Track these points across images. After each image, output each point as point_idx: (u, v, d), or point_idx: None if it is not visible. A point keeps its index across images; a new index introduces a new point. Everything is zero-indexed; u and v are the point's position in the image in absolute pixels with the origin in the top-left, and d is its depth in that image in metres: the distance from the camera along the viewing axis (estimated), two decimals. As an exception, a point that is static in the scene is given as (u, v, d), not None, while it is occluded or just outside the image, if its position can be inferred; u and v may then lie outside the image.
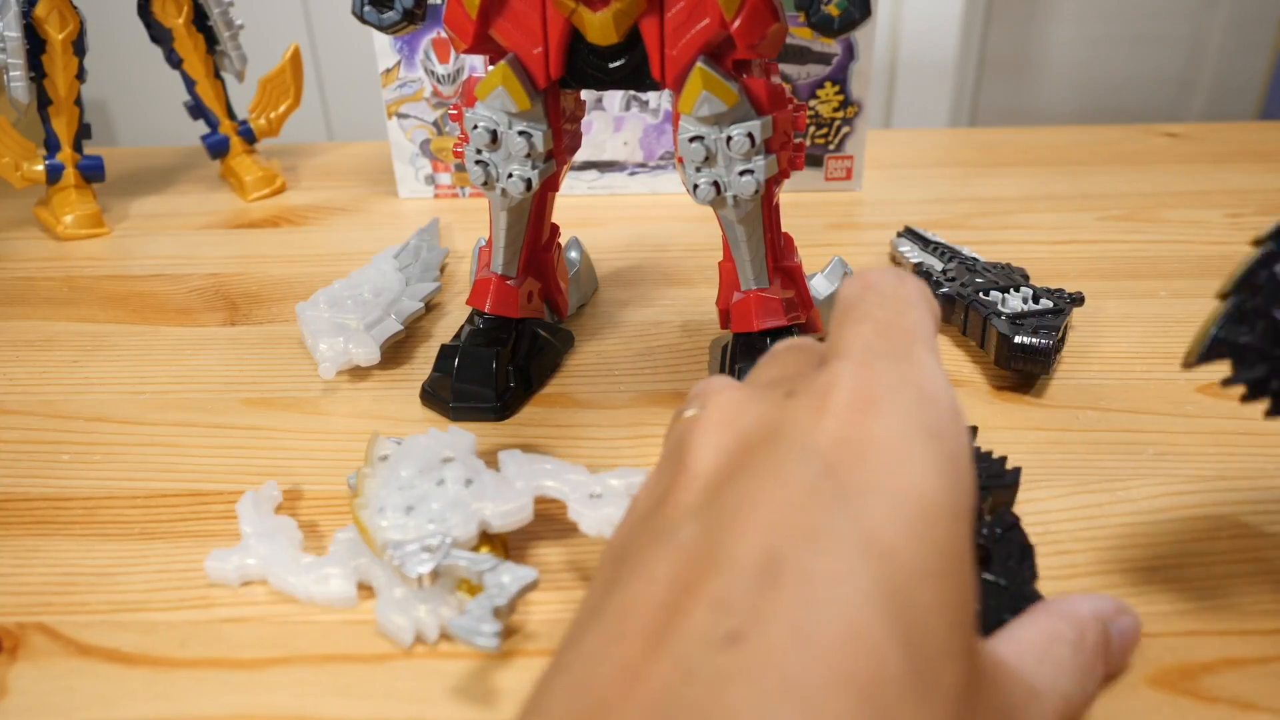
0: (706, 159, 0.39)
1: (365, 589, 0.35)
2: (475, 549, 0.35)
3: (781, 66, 0.64)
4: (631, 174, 0.68)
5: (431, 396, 0.45)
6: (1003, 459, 0.33)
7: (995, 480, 0.32)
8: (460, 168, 0.68)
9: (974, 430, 0.33)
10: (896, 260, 0.57)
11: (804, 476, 0.20)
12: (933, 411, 0.21)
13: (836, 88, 0.65)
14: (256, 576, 0.36)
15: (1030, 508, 0.38)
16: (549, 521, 0.37)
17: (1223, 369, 0.30)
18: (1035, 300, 0.47)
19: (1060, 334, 0.46)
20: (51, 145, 0.64)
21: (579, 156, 0.67)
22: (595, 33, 0.38)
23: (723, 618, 0.18)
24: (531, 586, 0.32)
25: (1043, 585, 0.35)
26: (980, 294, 0.48)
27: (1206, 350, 0.29)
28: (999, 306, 0.47)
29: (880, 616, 0.18)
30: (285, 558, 0.35)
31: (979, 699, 0.20)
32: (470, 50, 0.40)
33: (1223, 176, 0.69)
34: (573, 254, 0.54)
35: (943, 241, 0.55)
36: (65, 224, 0.64)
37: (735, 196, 0.39)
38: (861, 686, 0.17)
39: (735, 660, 0.17)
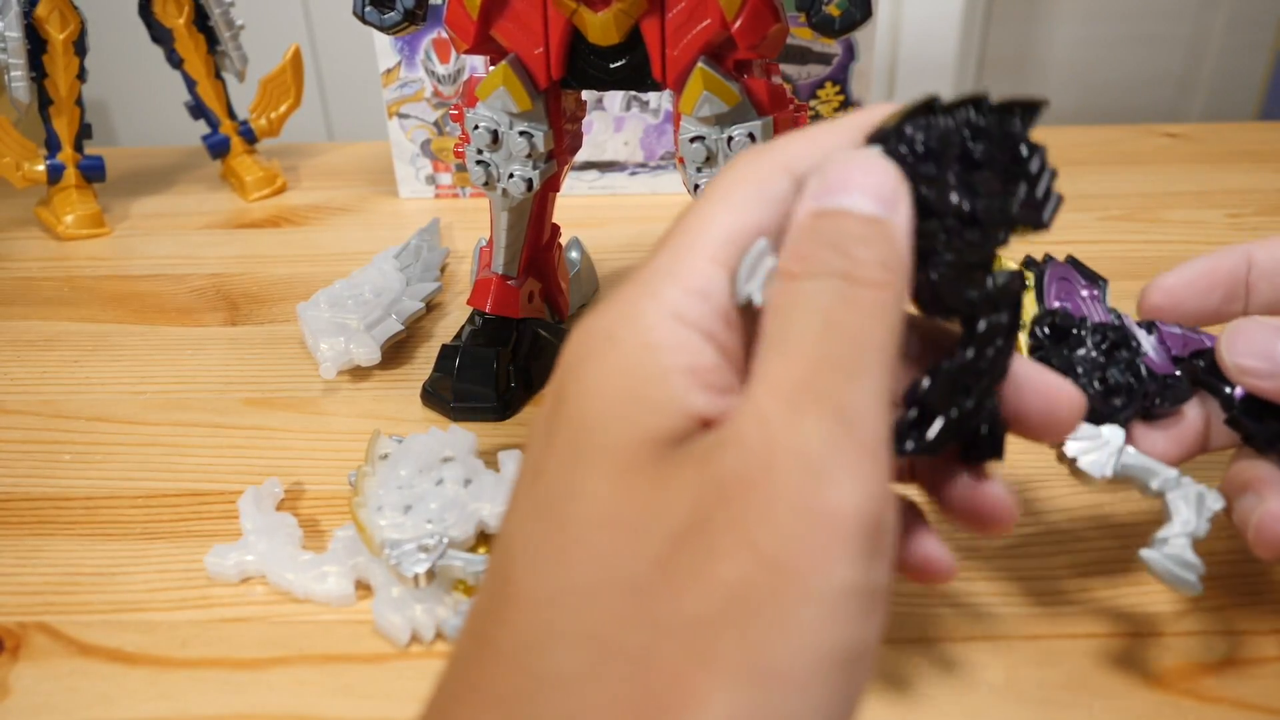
0: (707, 159, 0.39)
1: (364, 587, 0.35)
2: (473, 549, 0.35)
3: (782, 67, 0.64)
4: (632, 174, 0.68)
5: (432, 396, 0.45)
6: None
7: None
8: (461, 168, 0.68)
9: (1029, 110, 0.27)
10: None
11: None
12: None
13: (837, 88, 0.65)
14: (255, 573, 0.36)
15: (1030, 508, 0.38)
16: (549, 521, 0.37)
17: None
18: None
19: None
20: (52, 145, 0.64)
21: (580, 157, 0.67)
22: (596, 33, 0.38)
23: None
24: None
25: (1042, 584, 0.35)
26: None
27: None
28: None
29: None
30: (284, 555, 0.35)
31: None
32: (471, 50, 0.40)
33: (1223, 176, 0.69)
34: (573, 254, 0.54)
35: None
36: (66, 224, 0.64)
37: (736, 197, 0.39)
38: None
39: None
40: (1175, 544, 0.27)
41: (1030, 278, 0.31)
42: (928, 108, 0.24)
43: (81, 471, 0.42)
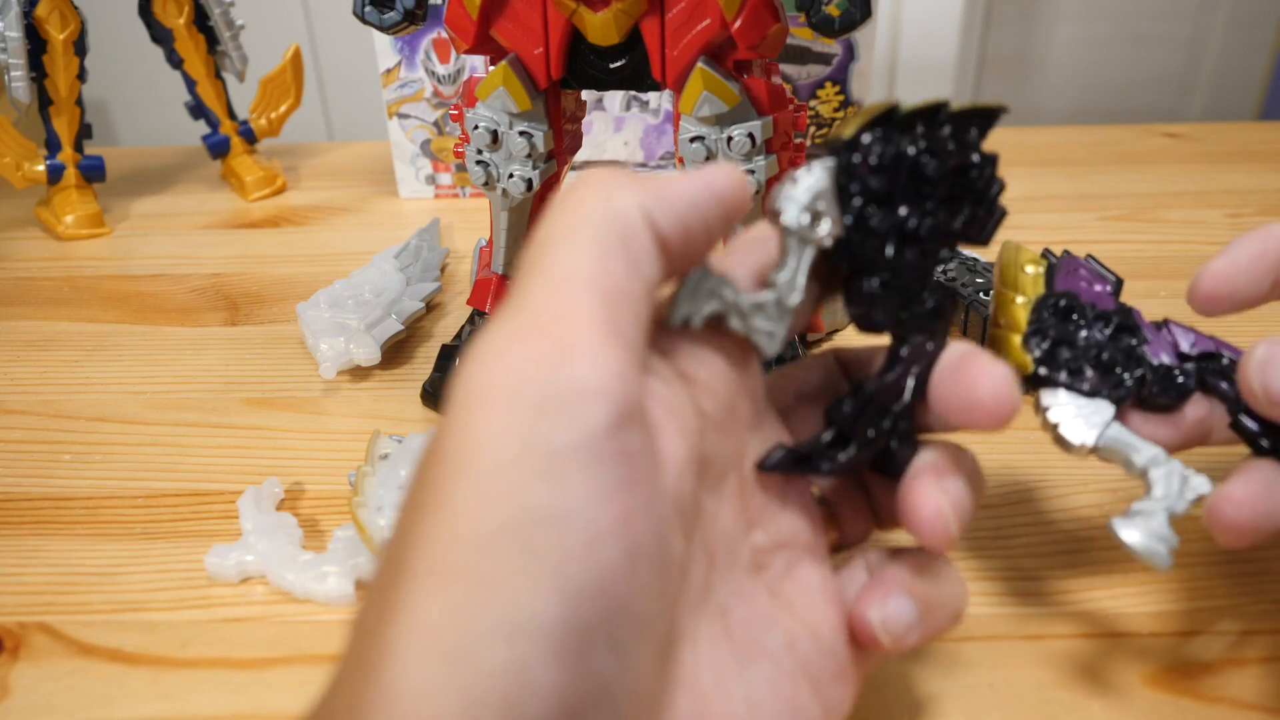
0: (707, 159, 0.39)
1: (364, 588, 0.35)
2: (476, 549, 0.35)
3: (782, 67, 0.64)
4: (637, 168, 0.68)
5: (432, 396, 0.45)
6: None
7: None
8: (461, 168, 0.68)
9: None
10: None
11: None
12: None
13: (837, 88, 0.65)
14: (255, 573, 0.36)
15: (1030, 507, 0.38)
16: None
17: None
18: None
19: None
20: (52, 145, 0.64)
21: (580, 157, 0.67)
22: (596, 33, 0.38)
23: None
24: None
25: (1040, 585, 0.35)
26: (980, 294, 0.48)
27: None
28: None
29: None
30: (284, 555, 0.35)
31: None
32: (471, 50, 0.40)
33: (1223, 176, 0.69)
34: (573, 254, 0.54)
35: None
36: (66, 224, 0.64)
37: (736, 197, 0.39)
38: None
39: None
40: (1150, 515, 0.26)
41: (1043, 264, 0.31)
42: (887, 117, 0.24)
43: (81, 471, 0.42)
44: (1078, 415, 0.28)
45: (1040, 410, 0.29)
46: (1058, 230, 0.61)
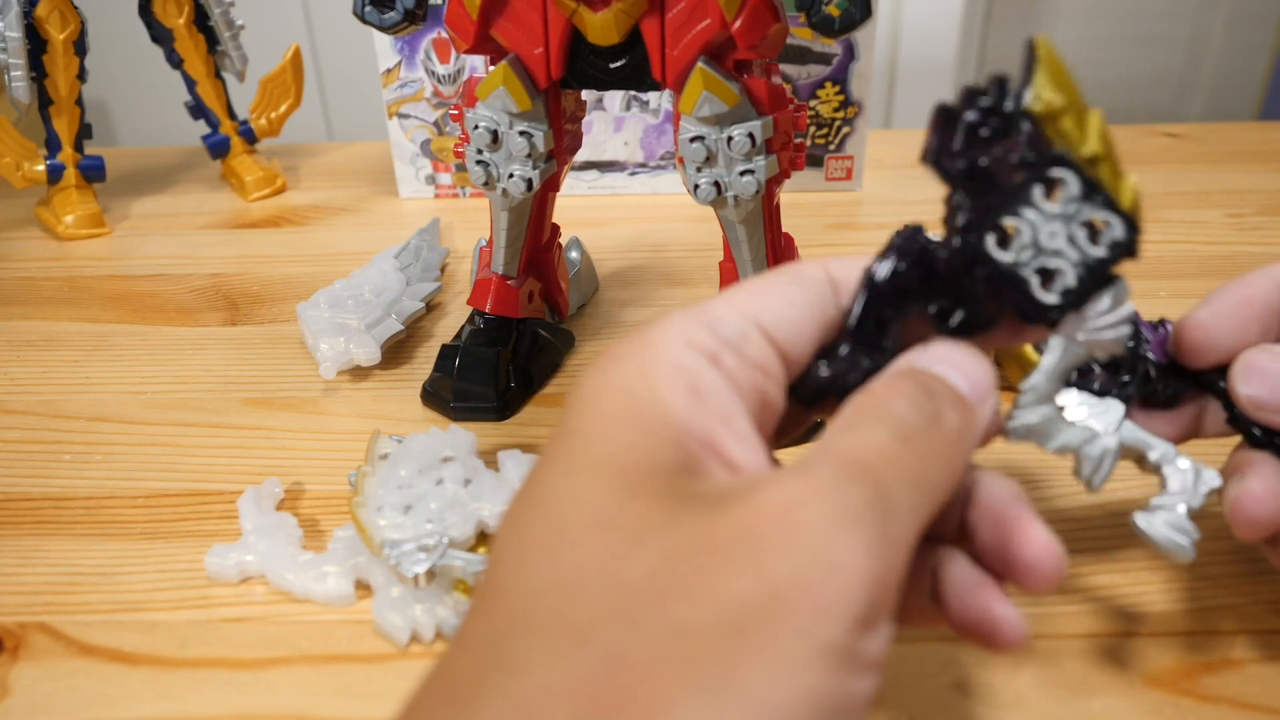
0: (707, 159, 0.39)
1: (364, 587, 0.35)
2: (473, 549, 0.35)
3: (782, 67, 0.64)
4: (632, 174, 0.68)
5: (432, 396, 0.45)
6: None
7: None
8: (461, 168, 0.68)
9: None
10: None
11: None
12: None
13: (837, 88, 0.65)
14: (255, 573, 0.36)
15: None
16: (549, 521, 0.37)
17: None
18: None
19: None
20: (52, 145, 0.64)
21: (579, 157, 0.67)
22: (596, 33, 0.38)
23: None
24: None
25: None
26: None
27: None
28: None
29: None
30: (284, 555, 0.35)
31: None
32: (471, 50, 0.40)
33: (1223, 176, 0.69)
34: (573, 254, 0.54)
35: (943, 241, 0.55)
36: (66, 224, 0.64)
37: (736, 197, 0.39)
38: None
39: None
40: (1170, 509, 0.27)
41: None
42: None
43: (81, 471, 0.42)
44: (1091, 415, 0.29)
45: (1057, 410, 0.29)
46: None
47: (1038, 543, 0.23)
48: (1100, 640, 0.32)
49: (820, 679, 0.17)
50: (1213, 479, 0.28)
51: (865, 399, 0.22)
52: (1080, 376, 0.30)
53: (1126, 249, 0.24)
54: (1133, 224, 0.23)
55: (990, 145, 0.23)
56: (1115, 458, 0.26)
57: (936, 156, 0.24)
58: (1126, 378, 0.30)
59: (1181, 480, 0.28)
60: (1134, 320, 0.32)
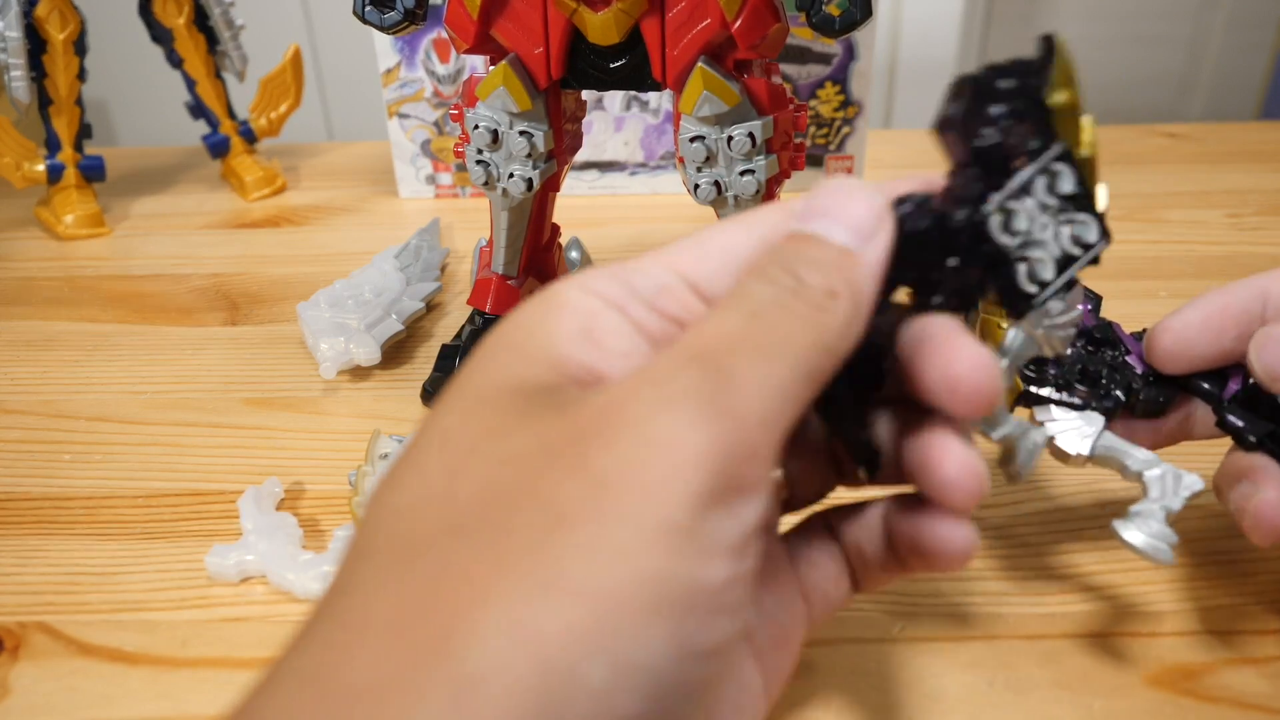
0: (708, 159, 0.39)
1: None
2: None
3: (782, 66, 0.64)
4: (632, 174, 0.68)
5: (432, 396, 0.45)
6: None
7: None
8: (461, 168, 0.68)
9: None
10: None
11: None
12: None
13: (837, 88, 0.65)
14: (256, 573, 0.36)
15: (1032, 508, 0.38)
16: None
17: None
18: None
19: None
20: (52, 145, 0.64)
21: (580, 157, 0.67)
22: (596, 33, 0.38)
23: None
24: None
25: (1041, 584, 0.35)
26: None
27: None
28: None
29: None
30: (284, 554, 0.35)
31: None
32: (471, 50, 0.40)
33: (1223, 176, 0.69)
34: (573, 254, 0.54)
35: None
36: (66, 224, 0.64)
37: (736, 196, 0.39)
38: None
39: None
40: (1149, 515, 0.28)
41: None
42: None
43: (81, 471, 0.42)
44: (1071, 428, 0.30)
45: (1035, 425, 0.30)
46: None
47: (973, 352, 0.22)
48: (1100, 640, 0.32)
49: (656, 562, 0.17)
50: (1193, 483, 0.28)
51: (731, 289, 0.21)
52: (1061, 391, 0.30)
53: (1096, 255, 0.24)
54: (1106, 231, 0.23)
55: (1013, 125, 0.23)
56: (1040, 451, 0.26)
57: (963, 124, 0.23)
58: (1103, 389, 0.31)
59: (1160, 487, 0.28)
60: (1116, 332, 0.32)
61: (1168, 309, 0.31)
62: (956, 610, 0.34)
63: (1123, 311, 0.51)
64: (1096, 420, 0.30)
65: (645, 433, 0.18)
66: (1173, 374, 0.31)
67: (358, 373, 0.48)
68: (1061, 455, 0.30)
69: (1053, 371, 0.31)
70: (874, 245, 0.22)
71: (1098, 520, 0.37)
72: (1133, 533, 0.27)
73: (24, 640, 0.33)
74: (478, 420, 0.19)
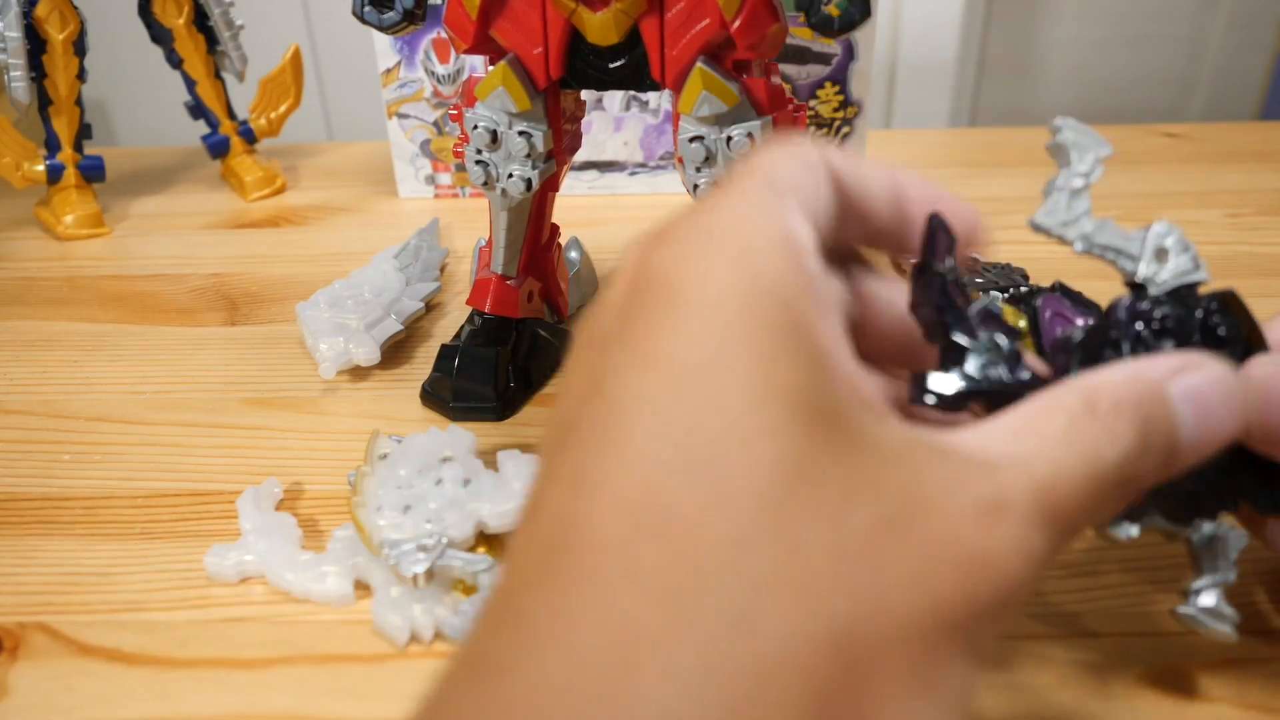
0: (707, 159, 0.39)
1: (364, 587, 0.35)
2: (472, 549, 0.35)
3: (781, 67, 0.64)
4: (631, 174, 0.68)
5: (431, 396, 0.45)
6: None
7: None
8: (460, 168, 0.68)
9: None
10: (897, 263, 0.57)
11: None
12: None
13: (836, 88, 0.65)
14: (255, 573, 0.36)
15: (1030, 508, 0.38)
16: (549, 521, 0.37)
17: None
18: None
19: None
20: (52, 145, 0.64)
21: (579, 157, 0.67)
22: (595, 33, 0.38)
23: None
24: None
25: (1042, 584, 0.35)
26: (980, 294, 0.48)
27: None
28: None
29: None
30: (283, 554, 0.35)
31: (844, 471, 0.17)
32: (470, 50, 0.40)
33: (1223, 176, 0.69)
34: (573, 254, 0.54)
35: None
36: (66, 224, 0.64)
37: (735, 196, 0.39)
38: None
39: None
40: (1208, 597, 0.28)
41: (1023, 316, 0.30)
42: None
43: (81, 471, 0.42)
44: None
45: None
46: (1058, 230, 0.61)
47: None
48: (1100, 640, 0.32)
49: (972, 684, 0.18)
50: (1239, 540, 0.28)
51: (1080, 411, 0.20)
52: None
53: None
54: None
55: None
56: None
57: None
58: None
59: (1212, 561, 0.28)
60: None
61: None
62: (956, 610, 0.34)
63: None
64: None
65: (1010, 577, 0.18)
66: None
67: (357, 373, 0.48)
68: (1111, 540, 0.28)
69: None
70: (1195, 456, 0.22)
71: (1097, 520, 0.37)
72: (1196, 617, 0.28)
73: (23, 640, 0.33)
74: (794, 433, 0.17)
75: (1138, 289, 0.25)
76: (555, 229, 0.48)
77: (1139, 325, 0.25)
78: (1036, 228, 0.26)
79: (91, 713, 0.31)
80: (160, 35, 0.67)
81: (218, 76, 0.69)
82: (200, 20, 0.67)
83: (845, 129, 0.66)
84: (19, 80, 0.60)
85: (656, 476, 0.16)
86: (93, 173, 0.65)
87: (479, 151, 0.41)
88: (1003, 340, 0.23)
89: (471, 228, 0.64)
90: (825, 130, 0.66)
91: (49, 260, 0.62)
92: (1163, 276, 0.25)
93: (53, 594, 0.35)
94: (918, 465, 0.18)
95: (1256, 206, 0.65)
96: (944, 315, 0.23)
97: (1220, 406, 0.21)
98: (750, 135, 0.38)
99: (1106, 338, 0.25)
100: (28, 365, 0.50)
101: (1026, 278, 0.50)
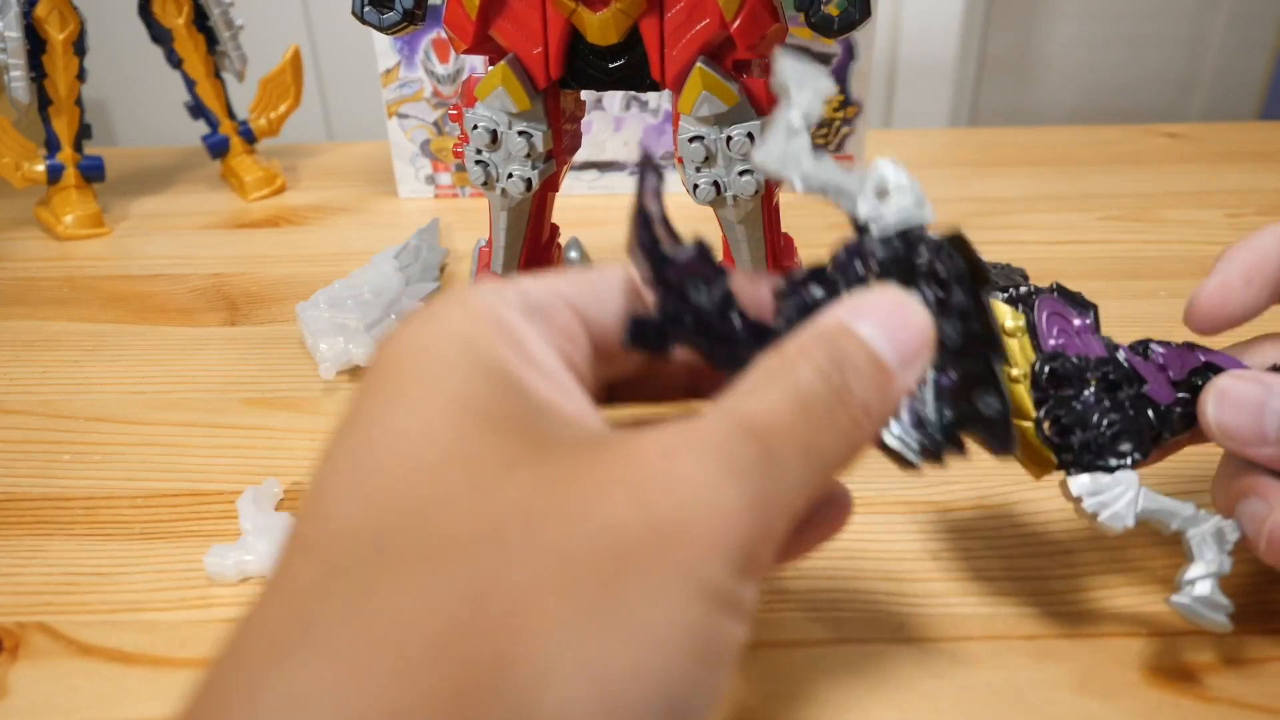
0: (706, 159, 0.39)
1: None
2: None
3: (781, 66, 0.64)
4: (632, 174, 0.68)
5: (431, 396, 0.45)
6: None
7: None
8: (460, 168, 0.68)
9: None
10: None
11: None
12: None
13: (837, 88, 0.65)
14: (255, 573, 0.36)
15: (1030, 506, 0.38)
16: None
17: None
18: None
19: None
20: (52, 145, 0.64)
21: (579, 157, 0.67)
22: (595, 33, 0.38)
23: None
24: None
25: (1040, 584, 0.35)
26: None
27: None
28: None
29: None
30: (284, 556, 0.35)
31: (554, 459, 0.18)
32: (470, 51, 0.40)
33: (1223, 176, 0.69)
34: (573, 254, 0.54)
35: (943, 241, 0.55)
36: (66, 224, 0.64)
37: (735, 197, 0.39)
38: None
39: None
40: (1202, 586, 0.28)
41: (1021, 317, 0.30)
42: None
43: (81, 471, 0.42)
44: (1109, 499, 0.29)
45: (1074, 501, 0.29)
46: (1057, 230, 0.61)
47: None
48: (1100, 640, 0.32)
49: (699, 616, 0.17)
50: (1233, 533, 0.28)
51: (774, 359, 0.21)
52: (1093, 456, 0.29)
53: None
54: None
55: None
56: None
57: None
58: (1127, 445, 0.29)
59: (1207, 551, 0.28)
60: (1129, 362, 0.30)
61: (1167, 309, 0.31)
62: (954, 611, 0.34)
63: (1122, 312, 0.52)
64: (1131, 480, 0.29)
65: (707, 493, 0.18)
66: (1215, 334, 0.30)
67: (357, 373, 0.48)
68: (1105, 530, 0.29)
69: (1079, 439, 0.29)
70: (909, 374, 0.22)
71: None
72: (1189, 608, 0.28)
73: (23, 640, 0.33)
74: (499, 441, 0.19)
75: (862, 230, 0.25)
76: (555, 229, 0.48)
77: (858, 265, 0.25)
78: (757, 166, 0.26)
79: (91, 713, 0.31)
80: (160, 35, 0.67)
81: (218, 76, 0.69)
82: (200, 20, 0.67)
83: (845, 129, 0.66)
84: (19, 80, 0.60)
85: (336, 495, 0.19)
86: (93, 173, 0.65)
87: (479, 151, 0.41)
88: (705, 281, 0.23)
89: (471, 228, 0.64)
90: (825, 130, 0.66)
91: (49, 260, 0.62)
92: (887, 216, 0.25)
93: (53, 594, 0.35)
94: (602, 441, 0.19)
95: (1256, 206, 0.65)
96: (652, 255, 0.23)
97: (906, 328, 0.22)
98: (750, 135, 0.38)
99: (825, 279, 0.24)
100: (28, 365, 0.50)
101: (1026, 277, 0.50)
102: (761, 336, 0.23)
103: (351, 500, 0.18)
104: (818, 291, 0.24)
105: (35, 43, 0.61)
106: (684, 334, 0.22)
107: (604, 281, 0.24)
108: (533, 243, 0.45)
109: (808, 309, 0.24)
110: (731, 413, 0.20)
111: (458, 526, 0.17)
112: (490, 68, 0.40)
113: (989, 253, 0.55)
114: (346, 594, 0.17)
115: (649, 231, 0.23)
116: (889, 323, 0.22)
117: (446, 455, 0.18)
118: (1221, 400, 0.28)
